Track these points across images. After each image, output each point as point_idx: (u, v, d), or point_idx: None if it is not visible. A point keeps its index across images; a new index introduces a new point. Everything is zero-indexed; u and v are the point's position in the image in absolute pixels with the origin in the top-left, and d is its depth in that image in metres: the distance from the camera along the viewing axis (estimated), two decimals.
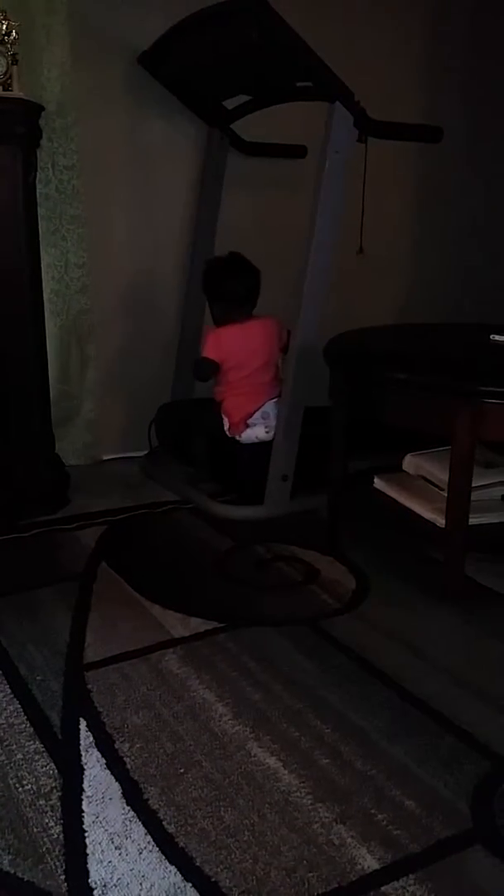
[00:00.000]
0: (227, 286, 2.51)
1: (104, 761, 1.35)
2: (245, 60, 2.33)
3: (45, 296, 2.48)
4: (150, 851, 1.17)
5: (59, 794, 1.28)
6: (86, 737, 1.41)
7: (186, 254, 2.88)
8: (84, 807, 1.25)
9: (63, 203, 2.58)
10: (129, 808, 1.25)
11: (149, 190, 2.81)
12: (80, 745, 1.39)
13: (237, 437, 2.50)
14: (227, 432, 2.51)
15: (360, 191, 2.40)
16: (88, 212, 2.64)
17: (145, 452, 2.85)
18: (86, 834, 1.20)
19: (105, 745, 1.39)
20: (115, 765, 1.35)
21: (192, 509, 2.47)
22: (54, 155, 2.52)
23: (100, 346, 2.79)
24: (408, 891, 1.11)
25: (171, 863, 1.15)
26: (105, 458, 2.90)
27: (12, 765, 1.34)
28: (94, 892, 1.10)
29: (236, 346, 2.49)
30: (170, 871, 1.13)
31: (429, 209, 3.39)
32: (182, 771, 1.34)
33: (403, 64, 3.17)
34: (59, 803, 1.26)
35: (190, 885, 1.11)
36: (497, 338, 2.14)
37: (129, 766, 1.34)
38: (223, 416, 2.52)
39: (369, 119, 2.23)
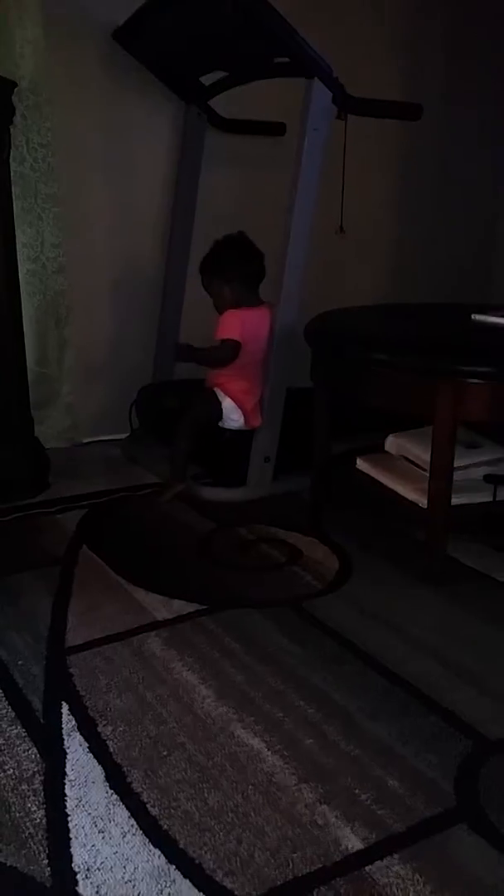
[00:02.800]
0: (250, 266, 2.44)
1: (87, 745, 1.34)
2: (221, 35, 2.29)
3: (21, 276, 2.44)
4: (134, 834, 1.16)
5: (42, 778, 1.27)
6: (68, 721, 1.40)
7: (165, 232, 2.85)
8: (67, 791, 1.24)
9: (38, 181, 2.54)
10: (112, 791, 1.24)
11: (126, 168, 2.77)
12: (62, 729, 1.38)
13: (228, 426, 2.46)
14: (244, 424, 2.43)
15: (341, 169, 2.38)
16: (64, 190, 2.60)
17: (126, 435, 2.83)
18: (69, 818, 1.19)
19: (87, 728, 1.38)
20: (98, 748, 1.34)
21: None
22: (28, 132, 2.48)
23: (78, 328, 2.76)
24: (392, 870, 1.11)
25: (155, 845, 1.14)
26: (85, 440, 2.88)
27: None
28: (78, 875, 1.09)
29: (256, 328, 2.41)
30: (154, 854, 1.13)
31: (410, 188, 3.38)
32: (165, 753, 1.33)
33: (383, 40, 3.13)
34: (41, 787, 1.25)
35: (174, 867, 1.11)
36: (478, 317, 2.14)
37: (111, 750, 1.33)
38: (231, 402, 2.42)
39: (348, 96, 2.21)
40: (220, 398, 2.45)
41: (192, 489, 2.42)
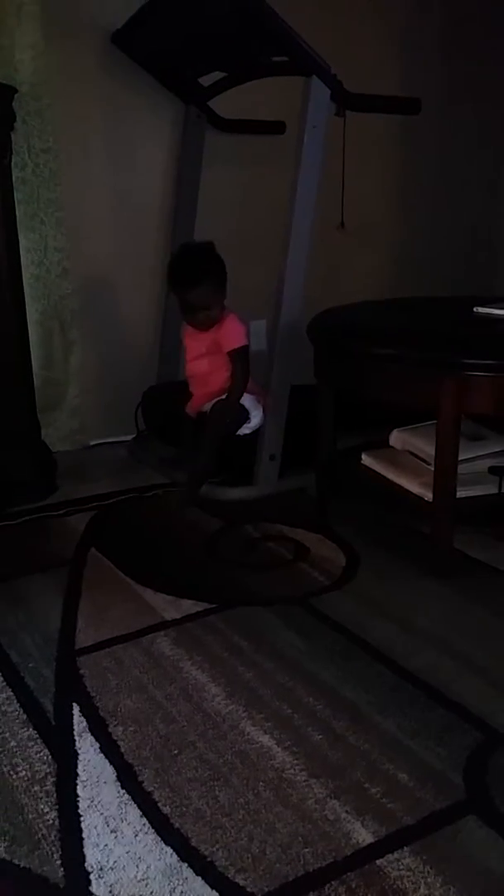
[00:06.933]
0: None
1: (98, 745, 1.35)
2: (219, 36, 2.30)
3: (26, 281, 2.46)
4: (146, 833, 1.17)
5: (54, 779, 1.28)
6: (79, 722, 1.41)
7: (167, 233, 2.86)
8: (79, 791, 1.25)
9: (40, 186, 2.55)
10: (123, 791, 1.25)
11: (127, 170, 2.78)
12: (73, 730, 1.39)
13: (253, 425, 2.41)
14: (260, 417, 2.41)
15: (341, 165, 2.38)
16: (66, 195, 2.61)
17: (133, 436, 2.84)
18: (81, 818, 1.20)
19: (98, 729, 1.40)
20: (109, 749, 1.35)
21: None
22: (29, 138, 2.49)
23: (83, 331, 2.77)
24: (403, 863, 1.11)
25: (167, 844, 1.15)
26: (92, 443, 2.89)
27: (6, 752, 1.34)
28: (91, 875, 1.10)
29: None
30: (166, 852, 1.14)
31: (410, 182, 3.37)
32: (176, 752, 1.34)
33: (381, 35, 3.13)
34: (53, 789, 1.26)
35: (186, 864, 1.11)
36: (481, 310, 2.13)
37: (123, 750, 1.34)
38: (251, 397, 2.38)
39: (347, 92, 2.21)
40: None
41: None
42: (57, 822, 1.19)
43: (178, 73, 2.68)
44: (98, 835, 1.17)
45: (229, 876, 1.10)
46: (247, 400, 2.40)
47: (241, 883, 1.08)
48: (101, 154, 2.72)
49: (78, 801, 1.23)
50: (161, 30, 2.43)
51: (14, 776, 1.29)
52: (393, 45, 3.18)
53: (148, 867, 1.11)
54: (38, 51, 2.44)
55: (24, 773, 1.30)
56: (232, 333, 2.36)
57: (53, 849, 1.15)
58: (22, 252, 2.40)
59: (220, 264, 2.36)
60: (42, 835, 1.17)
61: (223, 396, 2.39)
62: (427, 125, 3.08)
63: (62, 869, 1.11)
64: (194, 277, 2.32)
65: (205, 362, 2.42)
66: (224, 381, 2.40)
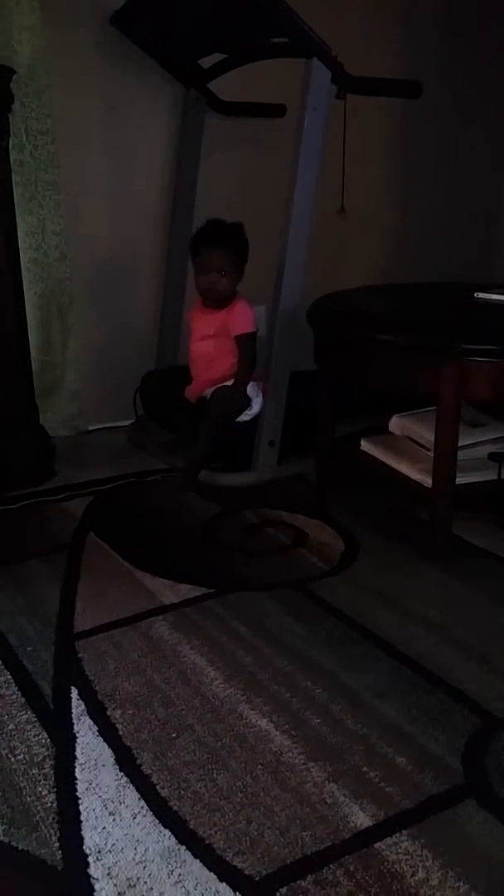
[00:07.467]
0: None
1: (96, 728, 1.35)
2: (219, 16, 2.28)
3: (23, 265, 2.44)
4: (144, 816, 1.17)
5: (52, 762, 1.28)
6: (77, 705, 1.41)
7: (166, 217, 2.84)
8: (77, 774, 1.25)
9: (38, 169, 2.52)
10: (122, 773, 1.25)
11: (126, 153, 2.76)
12: (71, 713, 1.39)
13: (254, 410, 2.40)
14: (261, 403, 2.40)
15: (341, 149, 2.37)
16: (65, 177, 2.59)
17: (131, 421, 2.83)
18: (79, 801, 1.20)
19: (97, 712, 1.39)
20: (108, 732, 1.35)
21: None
22: (27, 120, 2.47)
23: (81, 315, 2.76)
24: (401, 847, 1.11)
25: (166, 826, 1.15)
26: (91, 428, 2.88)
27: (4, 735, 1.34)
28: (89, 858, 1.10)
29: None
30: (164, 835, 1.14)
31: (410, 166, 3.35)
32: (174, 735, 1.34)
33: (382, 18, 3.11)
34: (51, 772, 1.26)
35: (184, 847, 1.11)
36: (481, 295, 2.13)
37: (121, 733, 1.34)
38: (252, 384, 2.38)
39: (347, 75, 2.19)
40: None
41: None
42: (55, 805, 1.19)
43: (177, 55, 2.66)
44: (96, 817, 1.17)
45: (227, 859, 1.10)
46: (249, 386, 2.38)
47: (240, 866, 1.09)
48: (100, 137, 2.70)
49: (76, 783, 1.23)
50: (160, 11, 2.41)
51: (12, 759, 1.29)
52: (394, 32, 3.15)
53: (146, 850, 1.11)
54: (35, 32, 2.42)
55: (22, 755, 1.29)
56: (242, 318, 2.35)
57: (52, 831, 1.15)
58: (20, 236, 2.39)
59: (246, 242, 2.35)
60: (40, 817, 1.17)
61: (224, 383, 2.38)
62: (427, 108, 3.06)
63: (60, 851, 1.11)
64: (221, 239, 2.33)
65: (210, 344, 2.40)
66: (228, 367, 2.39)
